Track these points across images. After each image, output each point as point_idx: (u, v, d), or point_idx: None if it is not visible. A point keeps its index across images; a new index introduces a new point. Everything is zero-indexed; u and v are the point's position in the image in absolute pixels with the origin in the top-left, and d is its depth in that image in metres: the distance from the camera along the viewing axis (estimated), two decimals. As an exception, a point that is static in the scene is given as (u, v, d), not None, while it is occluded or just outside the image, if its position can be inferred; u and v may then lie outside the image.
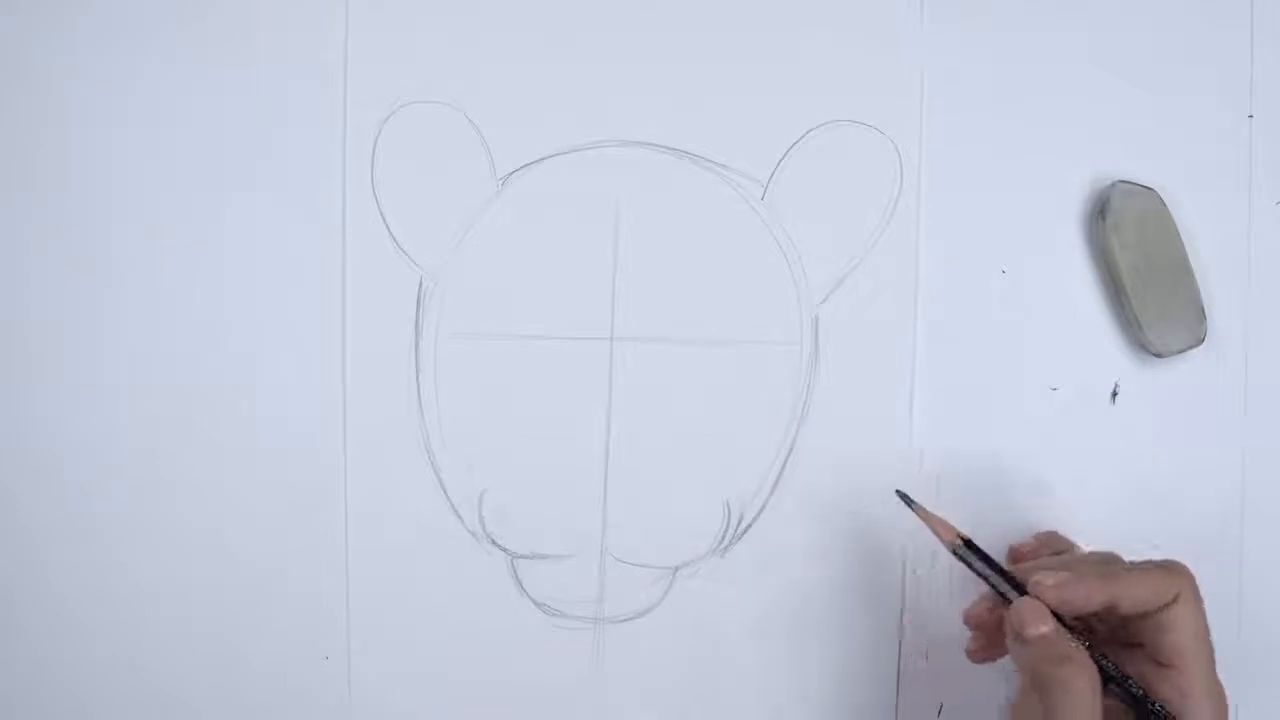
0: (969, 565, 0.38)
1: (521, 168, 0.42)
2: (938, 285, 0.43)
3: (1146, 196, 0.42)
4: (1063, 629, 0.35)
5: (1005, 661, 0.43)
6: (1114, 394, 0.44)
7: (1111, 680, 0.35)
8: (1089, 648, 0.35)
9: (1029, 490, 0.43)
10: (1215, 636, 0.36)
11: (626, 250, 0.42)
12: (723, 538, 0.43)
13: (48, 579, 0.42)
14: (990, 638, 0.39)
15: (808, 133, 0.43)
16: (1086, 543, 0.41)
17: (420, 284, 0.42)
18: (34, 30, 0.42)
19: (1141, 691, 0.35)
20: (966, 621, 0.39)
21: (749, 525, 0.43)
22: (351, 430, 0.42)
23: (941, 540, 0.39)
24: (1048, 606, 0.35)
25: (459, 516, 0.42)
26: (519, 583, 0.42)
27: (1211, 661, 0.36)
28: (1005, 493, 0.43)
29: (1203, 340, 0.43)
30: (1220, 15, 0.44)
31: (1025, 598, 0.36)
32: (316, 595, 0.42)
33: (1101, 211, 0.42)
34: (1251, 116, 0.44)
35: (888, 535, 0.43)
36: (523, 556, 0.42)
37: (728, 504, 0.43)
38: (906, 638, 0.43)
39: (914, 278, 0.43)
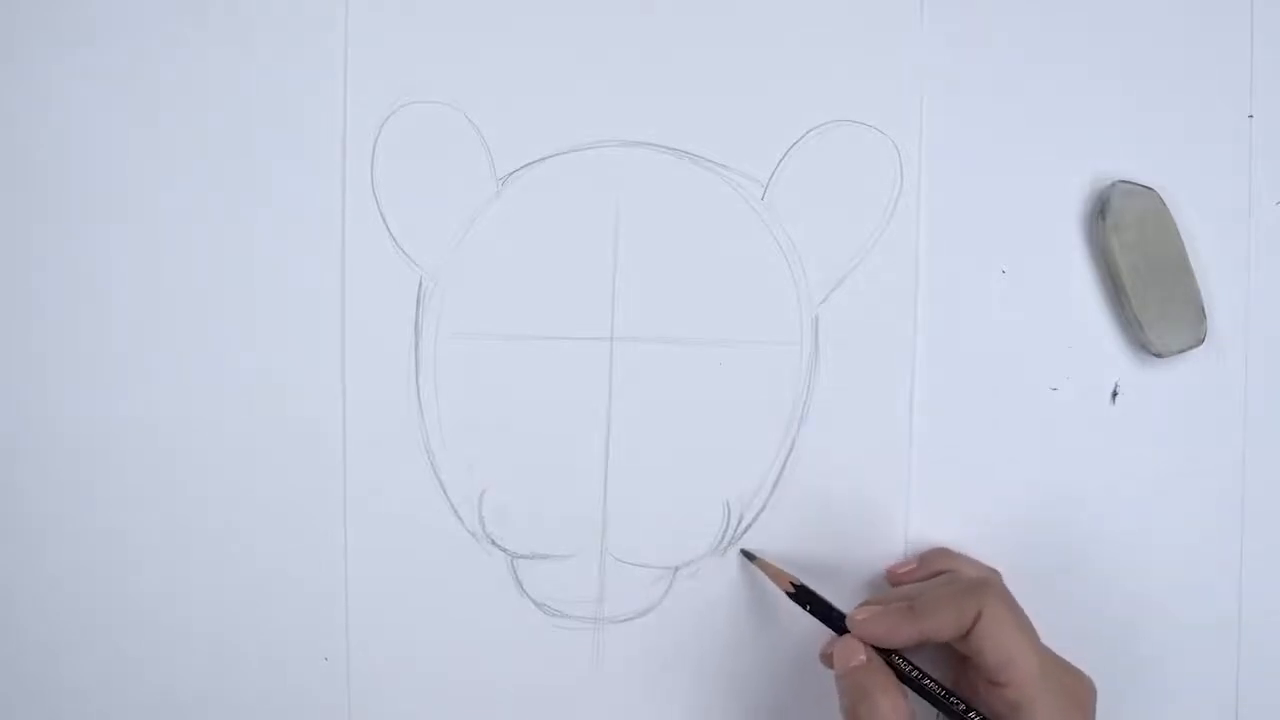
0: (804, 608, 0.40)
1: (521, 168, 0.42)
2: (938, 285, 0.43)
3: (1146, 196, 0.42)
4: (875, 662, 0.37)
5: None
6: (1114, 394, 0.44)
7: (937, 704, 0.37)
8: (917, 674, 0.37)
9: (1028, 490, 0.43)
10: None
11: (626, 250, 0.42)
12: (723, 538, 0.43)
13: (48, 579, 0.42)
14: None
15: (808, 133, 0.43)
16: (1008, 559, 0.41)
17: (420, 284, 0.42)
18: (34, 30, 0.42)
19: (962, 707, 0.36)
20: (821, 659, 0.40)
21: (749, 525, 0.43)
22: (351, 430, 0.42)
23: (779, 587, 0.40)
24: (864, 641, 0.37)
25: (459, 516, 0.42)
26: (519, 583, 0.42)
27: (1038, 661, 0.36)
28: (1005, 493, 0.43)
29: (1203, 340, 0.43)
30: (1220, 15, 0.44)
31: (842, 636, 0.38)
32: (316, 595, 0.42)
33: (1101, 211, 0.42)
34: (1251, 116, 0.44)
35: (887, 535, 0.43)
36: (523, 556, 0.42)
37: (728, 504, 0.43)
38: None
39: (914, 278, 0.43)
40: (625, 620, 0.43)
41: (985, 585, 0.37)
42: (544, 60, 0.42)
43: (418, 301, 0.42)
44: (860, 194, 0.43)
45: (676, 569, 0.43)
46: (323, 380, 0.42)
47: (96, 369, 0.42)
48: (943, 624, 0.36)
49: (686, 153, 0.43)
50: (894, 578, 0.42)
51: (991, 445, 0.43)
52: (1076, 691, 0.37)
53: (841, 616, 0.39)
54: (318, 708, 0.42)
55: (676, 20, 0.43)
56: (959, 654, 0.38)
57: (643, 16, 0.43)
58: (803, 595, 0.40)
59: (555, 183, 0.42)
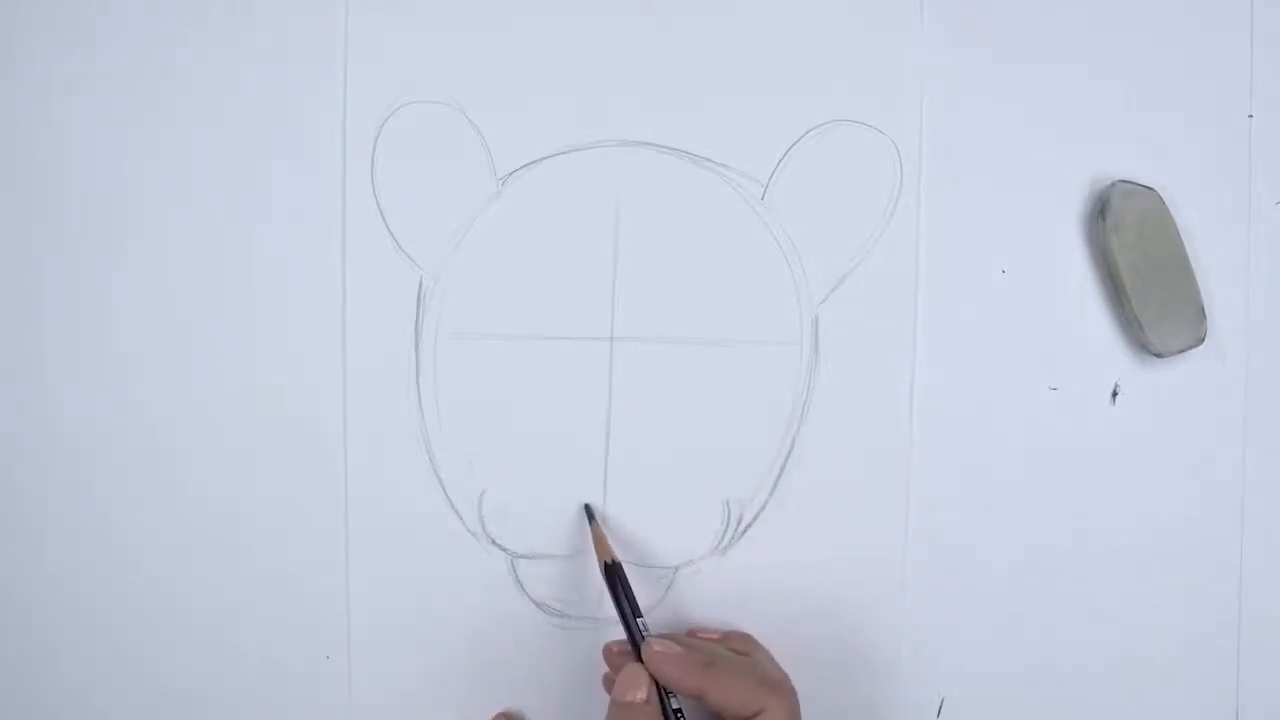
0: (610, 589, 0.39)
1: (521, 168, 0.42)
2: (938, 285, 0.43)
3: (1146, 196, 0.42)
4: (654, 704, 0.36)
5: (1008, 655, 0.43)
6: (1114, 394, 0.44)
7: None
8: None
9: (1028, 490, 0.43)
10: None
11: (626, 250, 0.42)
12: (723, 538, 0.43)
13: (48, 579, 0.42)
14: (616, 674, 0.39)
15: (807, 133, 0.43)
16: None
17: (420, 284, 0.42)
18: (34, 30, 0.42)
19: None
20: (605, 654, 0.40)
21: (749, 525, 0.43)
22: (351, 430, 0.42)
23: (599, 556, 0.40)
24: (651, 676, 0.36)
25: (459, 516, 0.42)
26: (519, 583, 0.42)
27: None
28: (1004, 493, 0.43)
29: (1203, 340, 0.43)
30: (1220, 15, 0.44)
31: (632, 664, 0.37)
32: (316, 595, 0.42)
33: (1101, 211, 0.42)
34: (1251, 116, 0.44)
35: (887, 534, 0.43)
36: (523, 556, 0.42)
37: (728, 504, 0.43)
38: (906, 635, 0.43)
39: (914, 278, 0.43)
40: (625, 620, 0.43)
41: (780, 689, 0.37)
42: (544, 60, 0.42)
43: (418, 301, 0.42)
44: (860, 194, 0.43)
45: (676, 569, 0.43)
46: (323, 380, 0.42)
47: (96, 369, 0.42)
48: (730, 697, 0.36)
49: (686, 153, 0.43)
50: (692, 634, 0.42)
51: (991, 445, 0.43)
52: None
53: (641, 631, 0.38)
54: (318, 707, 0.43)
55: (676, 20, 0.43)
56: None
57: (643, 16, 0.43)
58: (612, 577, 0.39)
59: (555, 183, 0.42)
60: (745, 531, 0.43)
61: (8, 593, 0.42)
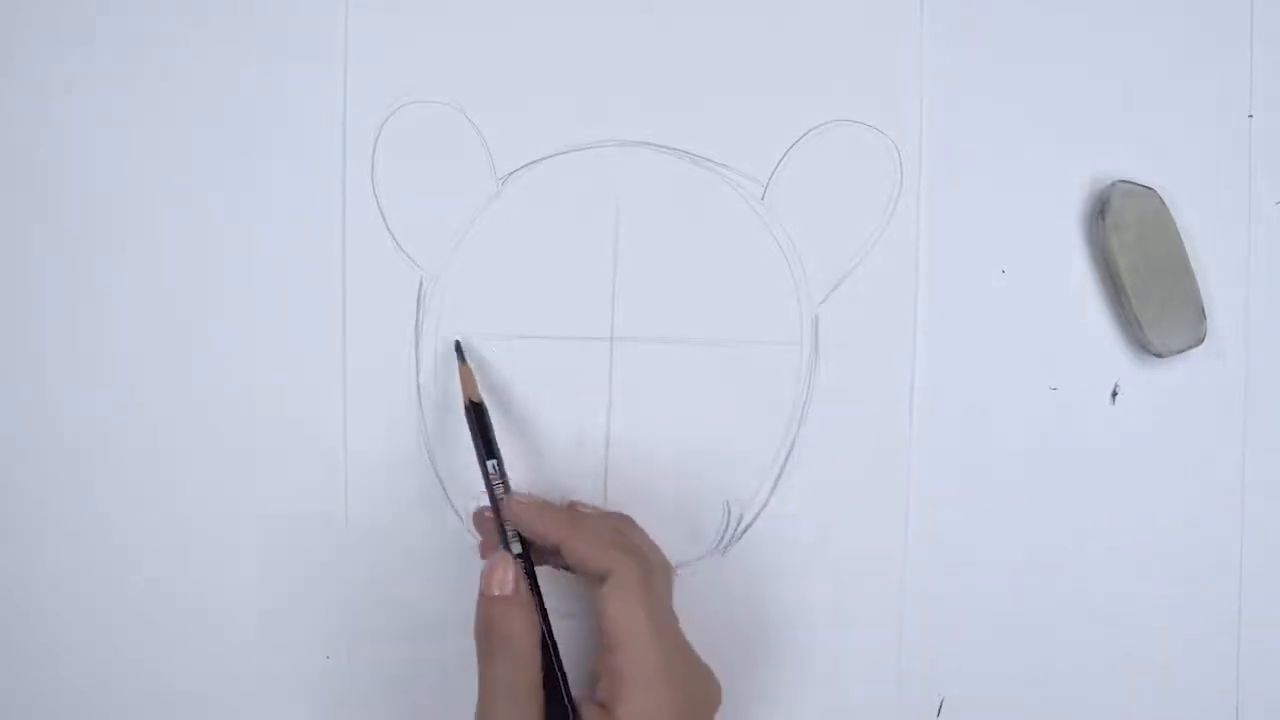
0: (470, 428, 0.39)
1: (521, 168, 0.42)
2: (938, 285, 0.43)
3: (1146, 196, 0.42)
4: (523, 596, 0.37)
5: (1008, 655, 0.43)
6: (1114, 394, 0.44)
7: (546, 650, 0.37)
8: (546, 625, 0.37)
9: (1028, 490, 0.43)
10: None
11: (626, 250, 0.42)
12: (723, 538, 0.43)
13: (48, 579, 0.42)
14: (491, 540, 0.40)
15: (808, 133, 0.43)
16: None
17: (420, 284, 0.42)
18: (34, 31, 0.42)
19: (558, 659, 0.37)
20: (474, 521, 0.40)
21: (749, 525, 0.43)
22: (351, 430, 0.42)
23: (465, 394, 0.40)
24: (510, 524, 0.37)
25: (459, 516, 0.42)
26: (519, 583, 0.42)
27: (654, 638, 0.35)
28: (1004, 493, 0.43)
29: (1203, 340, 0.43)
30: (1220, 15, 0.44)
31: (498, 552, 0.38)
32: (316, 595, 0.42)
33: (1101, 211, 0.42)
34: (1251, 116, 0.44)
35: (887, 534, 0.43)
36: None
37: (728, 504, 0.43)
38: (905, 635, 0.43)
39: (914, 278, 0.43)
40: (625, 620, 0.42)
41: (636, 554, 0.37)
42: (544, 60, 0.42)
43: (418, 301, 0.42)
44: (860, 194, 0.43)
45: (676, 569, 0.43)
46: (323, 380, 0.42)
47: (96, 369, 0.42)
48: (586, 553, 0.36)
49: (686, 153, 0.43)
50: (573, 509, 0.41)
51: (991, 445, 0.43)
52: (693, 686, 0.36)
53: (500, 476, 0.38)
54: (318, 707, 0.43)
55: (676, 20, 0.43)
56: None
57: (643, 16, 0.43)
58: (474, 418, 0.39)
59: (555, 183, 0.42)
60: (745, 531, 0.43)
61: (8, 593, 0.42)
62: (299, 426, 0.42)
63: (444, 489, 0.42)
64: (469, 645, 0.36)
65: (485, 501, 0.39)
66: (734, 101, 0.43)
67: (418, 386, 0.42)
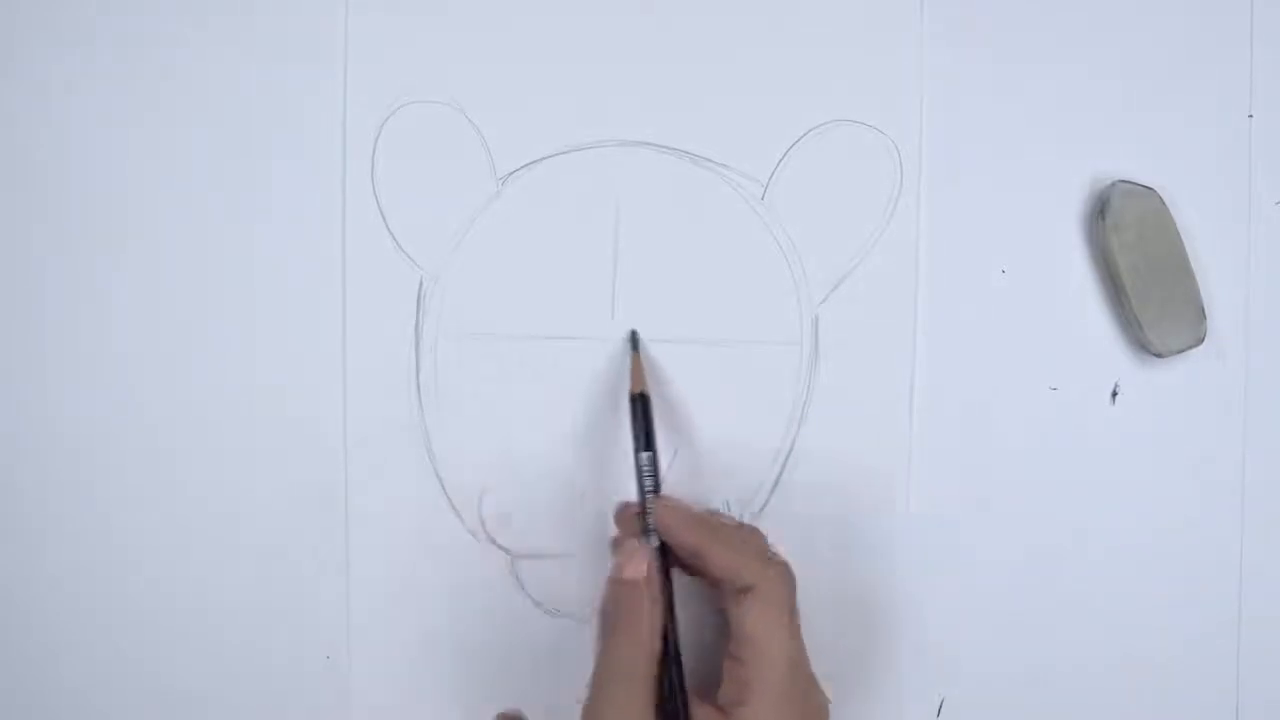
0: (633, 418, 0.39)
1: (521, 168, 0.42)
2: (938, 285, 0.43)
3: (1146, 196, 0.42)
4: (655, 582, 0.37)
5: (1008, 655, 0.43)
6: (1114, 394, 0.44)
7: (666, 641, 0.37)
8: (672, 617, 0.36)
9: (1028, 490, 0.43)
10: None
11: (626, 250, 0.42)
12: (723, 538, 0.43)
13: (48, 579, 0.42)
14: (628, 531, 0.40)
15: (808, 133, 0.43)
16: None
17: (420, 284, 0.42)
18: (34, 31, 0.42)
19: (677, 654, 0.36)
20: (616, 517, 0.40)
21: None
22: (351, 430, 0.42)
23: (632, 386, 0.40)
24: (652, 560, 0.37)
25: (459, 516, 0.42)
26: (519, 583, 0.42)
27: (785, 653, 0.35)
28: (1004, 493, 0.43)
29: (1203, 340, 0.43)
30: (1220, 15, 0.44)
31: (632, 539, 0.38)
32: (316, 595, 0.42)
33: (1101, 211, 0.42)
34: (1251, 116, 0.44)
35: (887, 534, 0.43)
36: (523, 556, 0.42)
37: (728, 504, 0.43)
38: (906, 634, 0.43)
39: (914, 278, 0.43)
40: (625, 620, 0.43)
41: (779, 572, 0.37)
42: (544, 60, 0.42)
43: (418, 301, 0.42)
44: (860, 194, 0.43)
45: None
46: (323, 380, 0.42)
47: (96, 369, 0.42)
48: (730, 563, 0.36)
49: (686, 153, 0.43)
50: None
51: (991, 445, 0.43)
52: (810, 703, 0.36)
53: (653, 471, 0.39)
54: (318, 708, 0.42)
55: (676, 20, 0.43)
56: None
57: (643, 16, 0.43)
58: (639, 408, 0.39)
59: (555, 183, 0.42)
60: (745, 531, 0.43)
61: (8, 593, 0.42)
62: (299, 426, 0.42)
63: (444, 489, 0.42)
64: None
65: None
66: (734, 101, 0.43)
67: (418, 386, 0.42)
